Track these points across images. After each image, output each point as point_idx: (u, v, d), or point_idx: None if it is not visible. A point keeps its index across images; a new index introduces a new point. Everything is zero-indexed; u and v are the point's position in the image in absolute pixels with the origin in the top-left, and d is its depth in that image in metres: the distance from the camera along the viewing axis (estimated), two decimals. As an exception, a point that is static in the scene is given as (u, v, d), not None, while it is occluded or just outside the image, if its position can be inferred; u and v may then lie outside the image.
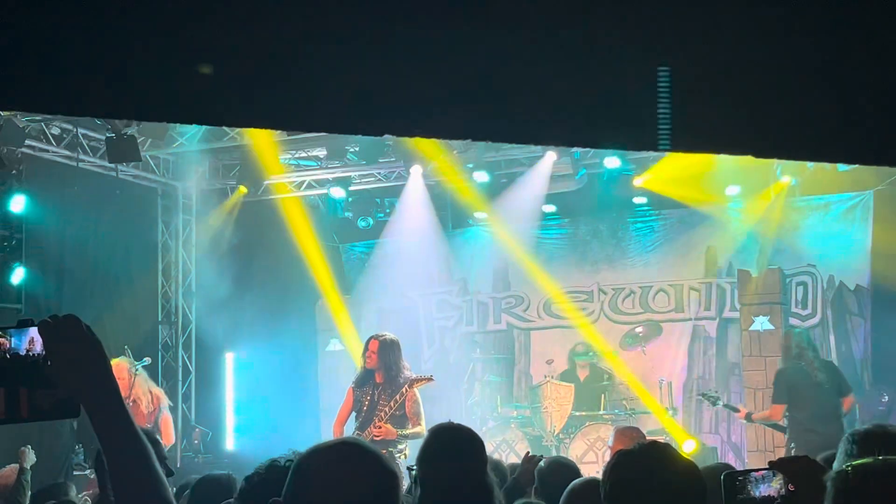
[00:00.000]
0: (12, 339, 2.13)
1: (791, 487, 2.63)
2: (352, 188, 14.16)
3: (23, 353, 2.12)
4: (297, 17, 2.57)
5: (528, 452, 6.22)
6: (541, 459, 5.75)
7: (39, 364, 2.12)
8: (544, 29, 2.81)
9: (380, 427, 8.85)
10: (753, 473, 2.67)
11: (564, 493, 3.87)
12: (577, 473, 5.43)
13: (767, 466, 2.69)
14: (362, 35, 2.55)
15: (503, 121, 2.94)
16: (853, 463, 2.37)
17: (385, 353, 9.08)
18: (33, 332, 2.13)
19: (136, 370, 10.50)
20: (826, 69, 2.70)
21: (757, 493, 2.64)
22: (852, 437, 3.73)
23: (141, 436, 2.19)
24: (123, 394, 8.08)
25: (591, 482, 3.59)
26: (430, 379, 9.19)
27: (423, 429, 8.64)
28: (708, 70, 2.82)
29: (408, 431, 8.89)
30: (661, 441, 3.09)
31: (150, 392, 10.57)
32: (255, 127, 10.31)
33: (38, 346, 2.12)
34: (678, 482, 2.67)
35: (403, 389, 8.95)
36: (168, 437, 10.34)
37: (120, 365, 10.25)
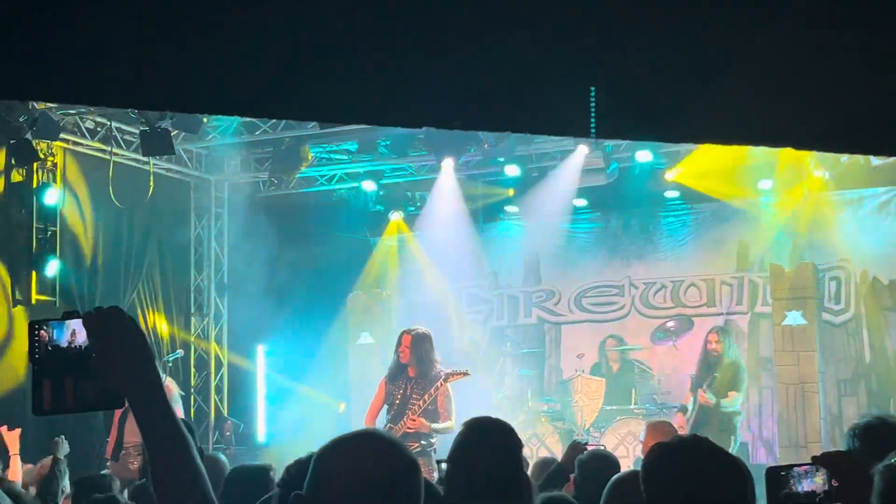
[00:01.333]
0: (54, 332, 2.14)
1: (834, 482, 2.62)
2: (383, 181, 14.18)
3: (64, 345, 2.14)
4: (336, 11, 2.58)
5: (575, 439, 6.25)
6: (586, 446, 5.77)
7: (83, 355, 2.13)
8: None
9: (414, 420, 8.85)
10: (796, 468, 2.66)
11: (608, 486, 3.85)
12: (617, 466, 5.43)
13: (810, 461, 2.67)
14: (400, 28, 2.55)
15: (540, 112, 2.93)
16: (903, 457, 2.35)
17: (418, 347, 9.08)
18: (75, 324, 2.14)
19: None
20: (862, 60, 2.68)
21: (800, 488, 2.62)
22: (853, 430, 3.72)
23: (181, 427, 2.20)
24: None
25: (635, 474, 3.57)
26: (465, 373, 9.18)
27: (454, 424, 8.64)
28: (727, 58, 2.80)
29: (438, 426, 8.89)
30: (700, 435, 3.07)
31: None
32: (295, 119, 10.37)
33: (80, 338, 2.14)
34: (721, 474, 2.65)
35: (438, 383, 8.95)
36: None
37: None
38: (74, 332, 2.14)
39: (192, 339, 14.48)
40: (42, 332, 2.13)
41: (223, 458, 6.46)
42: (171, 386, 10.80)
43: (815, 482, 2.63)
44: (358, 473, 2.11)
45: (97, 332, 2.14)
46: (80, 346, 2.13)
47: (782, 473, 2.64)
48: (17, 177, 11.89)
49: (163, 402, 2.18)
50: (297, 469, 3.29)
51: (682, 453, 2.73)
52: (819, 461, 2.66)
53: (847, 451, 2.76)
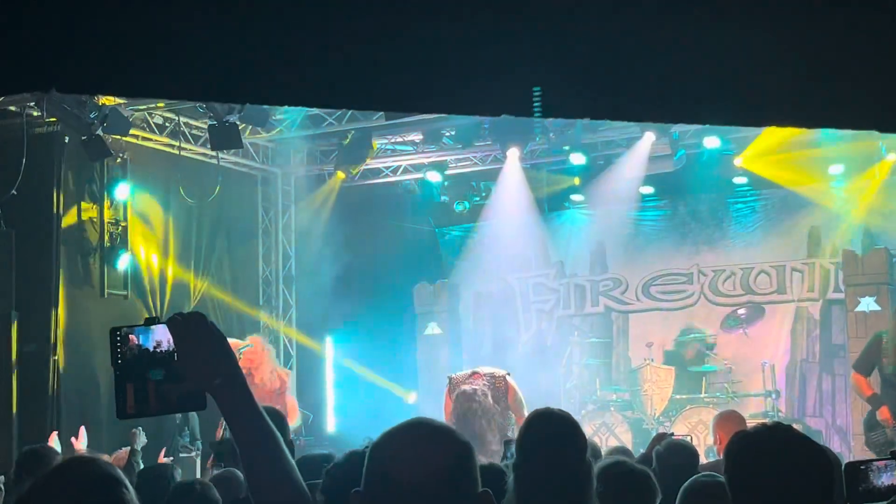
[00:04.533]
0: (140, 337, 2.22)
1: (914, 476, 2.57)
2: (448, 172, 14.18)
3: (150, 349, 2.21)
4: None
5: (661, 432, 6.23)
6: (671, 436, 5.73)
7: (166, 359, 2.20)
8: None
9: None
10: (875, 462, 2.62)
11: (681, 492, 3.80)
12: (695, 456, 5.37)
13: (890, 456, 2.63)
14: (479, 18, 2.54)
15: (619, 99, 2.91)
16: None
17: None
18: (159, 329, 2.22)
19: (265, 348, 10.71)
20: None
21: (879, 483, 2.58)
22: None
23: (269, 424, 2.25)
24: (250, 369, 8.25)
25: (710, 484, 3.53)
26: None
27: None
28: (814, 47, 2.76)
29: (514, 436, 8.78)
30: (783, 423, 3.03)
31: (276, 372, 10.74)
32: (373, 109, 10.39)
33: (165, 343, 2.21)
34: (805, 462, 2.62)
35: (503, 385, 8.79)
36: (291, 418, 10.50)
37: (255, 340, 10.50)
38: (158, 338, 2.22)
39: (261, 329, 14.60)
40: (130, 336, 2.21)
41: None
42: (286, 377, 10.84)
43: (895, 476, 2.58)
44: (415, 462, 2.09)
45: (182, 336, 2.21)
46: (164, 351, 2.21)
47: (861, 468, 2.60)
48: (87, 172, 12.08)
49: (251, 402, 2.24)
50: (337, 472, 3.26)
51: (765, 440, 2.70)
52: (900, 455, 2.61)
53: (928, 445, 2.71)
